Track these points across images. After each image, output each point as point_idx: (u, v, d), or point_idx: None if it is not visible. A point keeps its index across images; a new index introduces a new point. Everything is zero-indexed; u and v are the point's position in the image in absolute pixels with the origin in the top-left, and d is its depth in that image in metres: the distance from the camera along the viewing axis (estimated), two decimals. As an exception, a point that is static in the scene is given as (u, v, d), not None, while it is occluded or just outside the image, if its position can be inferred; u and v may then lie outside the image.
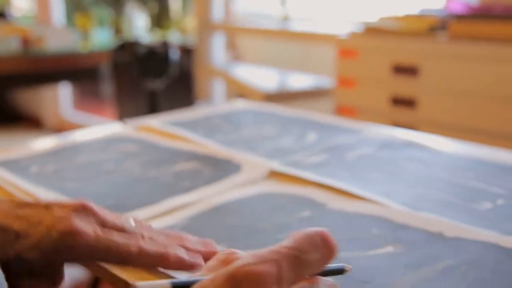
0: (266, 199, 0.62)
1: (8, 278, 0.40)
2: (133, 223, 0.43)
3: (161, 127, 0.91)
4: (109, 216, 0.42)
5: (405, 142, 0.82)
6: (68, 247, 0.39)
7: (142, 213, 0.58)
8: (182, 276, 0.42)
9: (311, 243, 0.33)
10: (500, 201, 0.60)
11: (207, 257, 0.44)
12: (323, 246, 0.33)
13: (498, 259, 0.47)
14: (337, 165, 0.73)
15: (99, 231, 0.40)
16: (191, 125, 0.93)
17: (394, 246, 0.50)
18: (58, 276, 0.42)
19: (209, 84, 2.76)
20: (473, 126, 1.53)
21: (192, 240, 0.45)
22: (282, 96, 2.08)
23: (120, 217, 0.44)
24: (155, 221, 0.57)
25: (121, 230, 0.42)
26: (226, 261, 0.38)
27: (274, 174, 0.69)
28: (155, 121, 0.95)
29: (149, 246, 0.41)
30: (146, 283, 0.36)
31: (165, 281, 0.36)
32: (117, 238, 0.41)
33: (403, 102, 1.68)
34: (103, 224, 0.41)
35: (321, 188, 0.64)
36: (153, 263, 0.42)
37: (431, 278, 0.44)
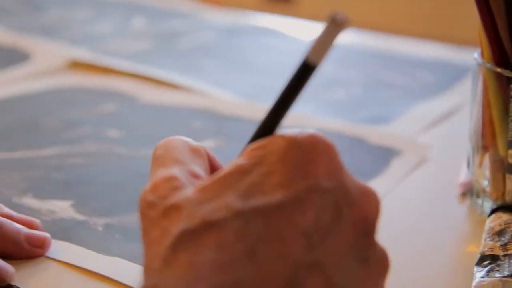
0: (59, 93, 0.52)
1: None
2: None
3: None
4: None
5: (256, 28, 0.72)
6: None
7: None
8: None
9: None
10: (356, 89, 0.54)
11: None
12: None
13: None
14: (165, 53, 0.62)
15: None
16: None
17: (217, 140, 0.44)
18: None
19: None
20: (365, 23, 1.45)
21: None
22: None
23: None
24: None
25: None
26: None
27: (77, 65, 0.56)
28: None
29: None
30: None
31: None
32: None
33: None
34: None
35: (135, 79, 0.53)
36: None
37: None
